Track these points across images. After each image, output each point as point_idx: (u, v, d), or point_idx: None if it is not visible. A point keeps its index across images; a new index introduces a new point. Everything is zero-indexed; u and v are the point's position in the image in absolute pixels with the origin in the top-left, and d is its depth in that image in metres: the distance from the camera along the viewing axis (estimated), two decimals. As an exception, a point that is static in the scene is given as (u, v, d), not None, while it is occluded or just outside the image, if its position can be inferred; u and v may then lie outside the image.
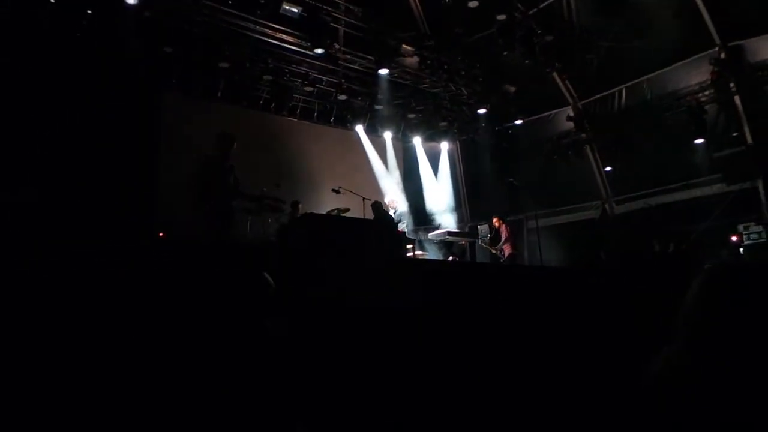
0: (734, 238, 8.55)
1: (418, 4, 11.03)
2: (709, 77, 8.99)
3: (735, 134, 8.93)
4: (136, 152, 8.39)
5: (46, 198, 6.71)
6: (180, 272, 3.38)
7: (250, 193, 6.85)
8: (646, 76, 10.07)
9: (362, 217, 8.70)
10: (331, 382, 3.05)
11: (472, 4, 9.18)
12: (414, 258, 8.94)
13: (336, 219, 8.08)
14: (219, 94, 9.90)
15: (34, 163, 7.16)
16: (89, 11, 7.74)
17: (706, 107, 9.22)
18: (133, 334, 2.77)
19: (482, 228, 11.74)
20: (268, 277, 2.35)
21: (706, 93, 9.21)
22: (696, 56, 9.26)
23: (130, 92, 8.60)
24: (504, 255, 10.20)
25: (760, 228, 8.32)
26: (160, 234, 7.70)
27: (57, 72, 7.76)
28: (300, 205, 9.08)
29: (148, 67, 8.85)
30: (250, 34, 8.96)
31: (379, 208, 9.10)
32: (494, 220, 10.64)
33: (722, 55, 8.77)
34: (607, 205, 11.14)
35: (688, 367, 1.29)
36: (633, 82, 10.29)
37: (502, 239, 10.30)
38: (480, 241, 10.96)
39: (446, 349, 3.78)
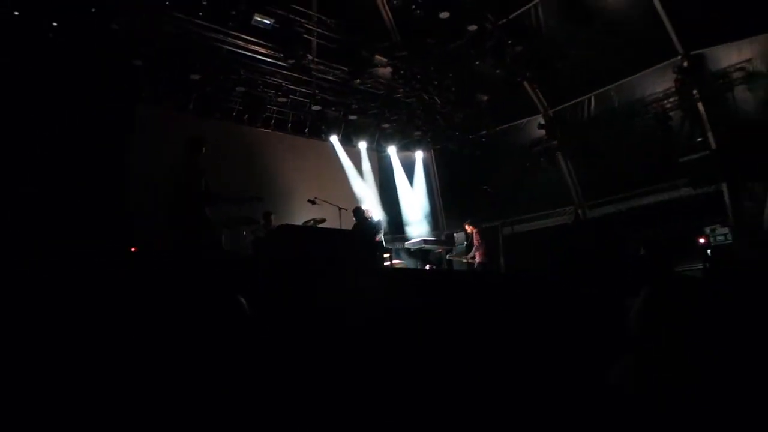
0: (702, 240, 8.78)
1: (390, 14, 11.12)
2: (673, 85, 9.27)
3: (699, 140, 9.19)
4: (104, 166, 8.21)
5: (11, 211, 6.51)
6: (150, 292, 3.30)
7: (225, 195, 6.67)
8: (613, 84, 10.32)
9: (339, 227, 8.68)
10: (313, 392, 3.02)
11: (444, 15, 9.30)
12: (391, 267, 8.96)
13: (313, 230, 8.04)
14: (191, 106, 9.78)
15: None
16: (54, 24, 7.59)
17: (671, 114, 9.48)
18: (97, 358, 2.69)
19: (458, 236, 11.84)
20: (242, 300, 2.30)
21: (671, 100, 9.47)
22: (660, 65, 9.53)
23: (98, 105, 8.43)
24: (476, 263, 10.25)
25: (726, 230, 8.56)
26: (132, 249, 7.54)
27: (22, 86, 7.57)
28: (272, 216, 9.01)
29: (118, 80, 8.70)
30: (222, 45, 8.90)
31: (360, 213, 9.11)
32: (466, 226, 10.73)
33: (685, 64, 9.05)
34: (579, 211, 11.34)
35: (637, 372, 1.47)
36: (601, 89, 10.52)
37: (474, 246, 10.37)
38: (449, 255, 11.00)
39: (424, 356, 3.79)
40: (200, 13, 8.24)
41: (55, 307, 2.89)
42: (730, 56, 8.77)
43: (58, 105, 7.87)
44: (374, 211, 10.60)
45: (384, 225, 11.17)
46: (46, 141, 7.57)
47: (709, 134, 9.13)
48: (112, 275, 3.40)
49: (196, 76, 9.31)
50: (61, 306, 2.92)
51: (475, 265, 10.25)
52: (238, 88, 9.98)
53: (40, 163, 7.41)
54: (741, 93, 8.70)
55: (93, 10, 7.55)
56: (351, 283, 4.31)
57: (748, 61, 8.54)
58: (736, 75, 8.65)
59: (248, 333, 2.18)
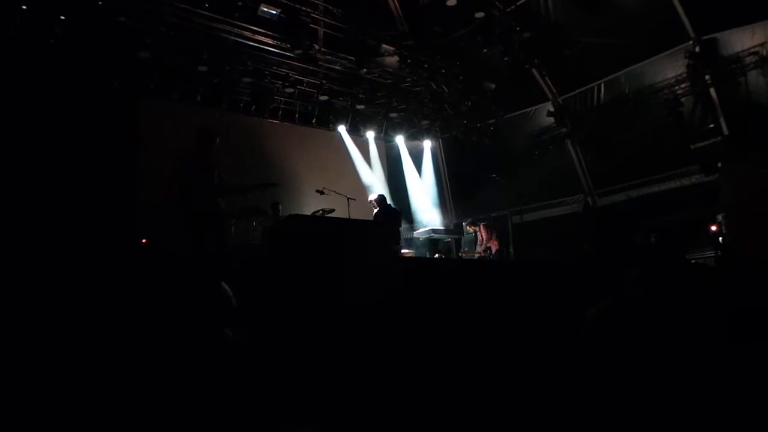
0: (713, 228, 8.69)
1: (396, 3, 11.03)
2: (685, 70, 9.14)
3: (711, 126, 9.06)
4: (112, 159, 8.25)
5: (19, 205, 6.58)
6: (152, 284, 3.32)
7: (239, 184, 6.67)
8: (623, 71, 10.18)
9: (347, 217, 8.69)
10: (318, 381, 3.05)
11: (451, 3, 9.21)
12: (401, 256, 8.97)
13: (324, 219, 8.05)
14: (198, 98, 9.80)
15: (7, 170, 7.01)
16: (62, 17, 7.61)
17: (683, 100, 9.36)
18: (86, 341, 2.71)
19: (467, 224, 11.83)
20: (227, 287, 2.28)
21: (682, 86, 9.34)
22: (671, 50, 9.39)
23: (105, 98, 8.48)
24: (491, 253, 10.28)
25: (738, 217, 8.46)
26: (143, 240, 7.61)
27: (30, 79, 7.62)
28: (280, 206, 9.04)
29: (125, 73, 8.73)
30: (229, 36, 8.88)
31: (384, 201, 9.08)
32: (467, 227, 10.79)
33: (696, 49, 8.90)
34: (589, 199, 11.26)
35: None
36: (611, 76, 10.39)
37: (484, 240, 10.39)
38: (461, 253, 11.02)
39: (435, 344, 3.80)
40: (206, 5, 8.24)
41: (61, 298, 2.93)
42: (743, 40, 8.61)
43: (66, 98, 7.92)
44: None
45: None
46: (53, 134, 7.62)
47: (721, 120, 9.00)
48: (120, 267, 3.43)
49: (203, 68, 9.30)
50: (66, 297, 2.96)
51: (491, 256, 10.26)
52: (245, 79, 9.98)
53: (47, 156, 7.47)
54: (754, 78, 8.56)
55: (100, 3, 7.56)
56: (370, 273, 4.30)
57: (762, 45, 8.38)
58: (750, 59, 8.50)
59: (233, 325, 2.16)
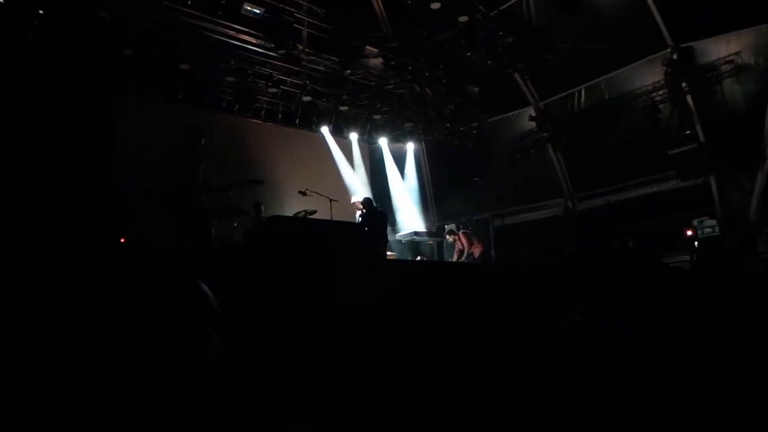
0: (689, 233, 8.88)
1: (381, 5, 11.06)
2: (663, 77, 9.32)
3: (688, 132, 9.26)
4: (92, 157, 8.10)
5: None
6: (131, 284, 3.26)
7: (224, 182, 6.63)
8: (603, 77, 10.37)
9: (329, 219, 8.67)
10: (307, 382, 3.03)
11: (435, 6, 9.28)
12: (387, 259, 8.97)
13: (306, 221, 8.02)
14: (180, 96, 9.68)
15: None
16: (41, 11, 7.45)
17: (661, 106, 9.55)
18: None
19: (449, 227, 11.90)
20: (204, 287, 2.24)
21: (660, 93, 9.53)
22: (650, 57, 9.58)
23: (85, 94, 8.32)
24: (474, 257, 10.35)
25: (713, 222, 8.66)
26: (121, 240, 7.47)
27: (7, 74, 7.44)
28: (262, 207, 8.98)
29: (106, 69, 8.59)
30: (212, 35, 8.80)
31: (371, 204, 9.07)
32: (446, 235, 10.84)
33: (674, 56, 9.10)
34: (569, 203, 11.41)
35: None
36: (591, 82, 10.57)
37: (466, 249, 10.43)
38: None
39: (418, 348, 3.81)
40: (189, 2, 8.15)
41: (41, 300, 2.86)
42: (719, 49, 8.84)
43: (45, 95, 7.75)
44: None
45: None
46: (31, 130, 7.46)
47: (698, 127, 9.20)
48: (98, 267, 3.37)
49: (185, 66, 9.19)
50: (47, 299, 2.89)
51: (475, 259, 10.32)
52: (228, 78, 9.88)
53: (24, 152, 7.30)
54: (729, 86, 8.79)
55: (79, -3, 7.44)
56: (354, 276, 4.29)
57: (737, 54, 8.61)
58: (725, 68, 8.73)
59: (214, 325, 2.12)
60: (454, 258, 10.58)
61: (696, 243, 8.73)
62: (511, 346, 3.80)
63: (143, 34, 8.42)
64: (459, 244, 10.61)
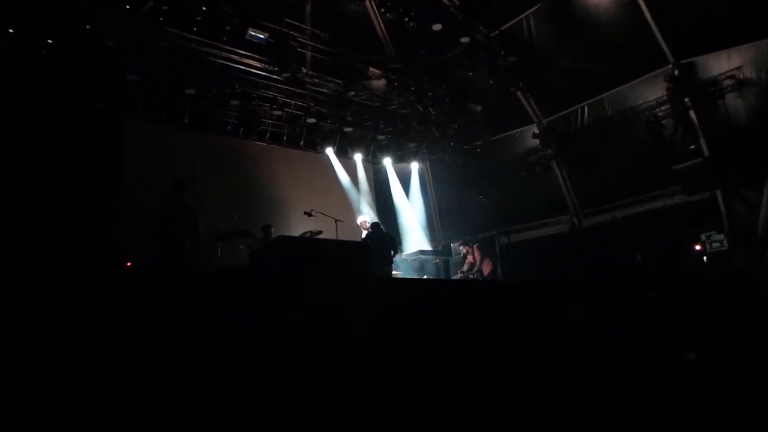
0: (698, 247, 8.80)
1: (383, 27, 11.20)
2: (665, 93, 9.34)
3: (692, 147, 9.24)
4: (98, 181, 8.19)
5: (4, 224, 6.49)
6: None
7: (215, 232, 6.79)
8: (606, 93, 10.40)
9: (335, 238, 8.67)
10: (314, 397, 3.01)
11: (436, 27, 9.40)
12: (393, 278, 8.94)
13: (312, 241, 8.00)
14: (186, 120, 9.80)
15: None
16: (50, 41, 7.61)
17: (664, 122, 9.55)
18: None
19: (455, 246, 11.87)
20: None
21: (663, 108, 9.54)
22: (652, 73, 9.62)
23: (92, 119, 8.45)
24: (482, 275, 10.34)
25: (721, 236, 8.60)
26: (128, 264, 7.50)
27: (17, 100, 7.58)
28: (272, 229, 9.01)
29: (112, 94, 8.72)
30: (216, 60, 8.95)
31: (379, 228, 9.10)
32: (461, 247, 10.87)
33: (676, 72, 9.14)
34: (575, 219, 11.36)
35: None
36: (594, 99, 10.61)
37: (477, 262, 10.47)
38: (459, 273, 11.05)
39: (424, 363, 3.78)
40: (195, 29, 8.29)
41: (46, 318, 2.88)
42: (720, 64, 8.86)
43: (52, 120, 7.88)
44: (370, 222, 10.59)
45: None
46: (39, 155, 7.57)
47: (702, 141, 9.18)
48: (105, 289, 3.39)
49: (191, 91, 9.32)
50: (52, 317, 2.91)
51: (481, 278, 10.31)
52: (232, 102, 9.98)
53: (32, 176, 7.40)
54: (732, 100, 8.78)
55: (88, 27, 7.59)
56: (353, 293, 4.29)
57: (738, 68, 8.63)
58: (727, 83, 8.74)
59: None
60: (464, 269, 10.56)
61: (705, 258, 8.65)
62: (512, 349, 3.77)
63: (149, 59, 8.56)
64: (471, 257, 10.64)
